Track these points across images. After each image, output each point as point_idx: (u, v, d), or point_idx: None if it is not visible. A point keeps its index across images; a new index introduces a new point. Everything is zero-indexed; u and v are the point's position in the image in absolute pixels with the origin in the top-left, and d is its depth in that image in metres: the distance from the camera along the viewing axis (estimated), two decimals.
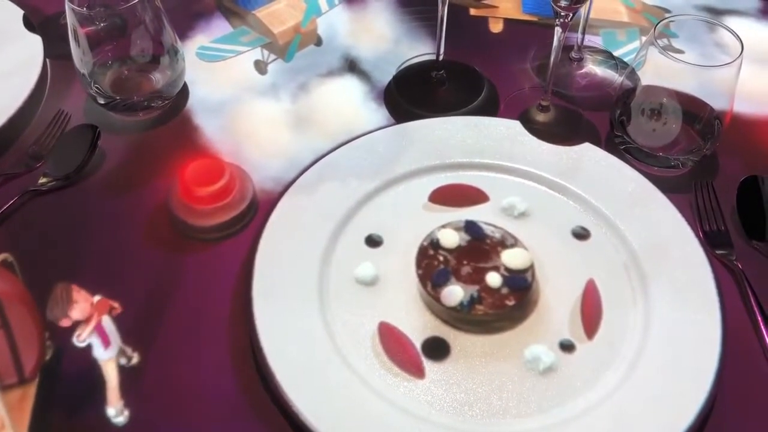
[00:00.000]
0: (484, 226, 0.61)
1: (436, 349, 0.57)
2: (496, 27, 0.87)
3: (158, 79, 0.74)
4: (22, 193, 0.67)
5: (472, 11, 0.89)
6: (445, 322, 0.58)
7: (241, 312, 0.59)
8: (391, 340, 0.57)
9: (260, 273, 0.59)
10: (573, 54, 0.82)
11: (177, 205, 0.65)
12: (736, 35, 0.64)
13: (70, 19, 0.68)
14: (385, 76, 0.80)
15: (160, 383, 0.56)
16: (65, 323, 0.57)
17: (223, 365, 0.57)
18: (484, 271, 0.58)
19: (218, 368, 0.57)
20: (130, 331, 0.58)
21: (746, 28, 0.85)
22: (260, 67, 0.82)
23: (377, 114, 0.76)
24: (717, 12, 0.87)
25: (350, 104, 0.77)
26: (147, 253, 0.64)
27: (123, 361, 0.56)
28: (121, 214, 0.67)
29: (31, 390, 0.53)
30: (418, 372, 0.55)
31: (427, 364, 0.56)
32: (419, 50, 0.83)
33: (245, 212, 0.65)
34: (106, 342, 0.57)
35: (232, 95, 0.78)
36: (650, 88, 0.67)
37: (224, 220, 0.64)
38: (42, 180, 0.68)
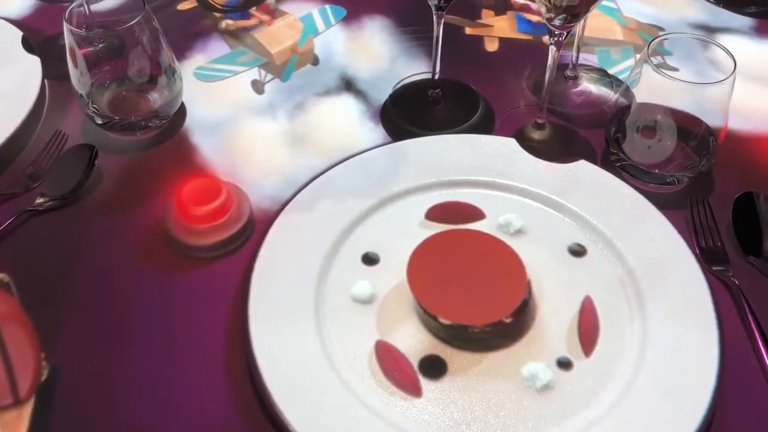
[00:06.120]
0: None
1: (433, 367, 0.56)
2: (492, 46, 0.88)
3: (156, 99, 0.74)
4: (19, 213, 0.67)
5: (468, 30, 0.89)
6: (442, 340, 0.58)
7: (237, 331, 0.59)
8: (387, 358, 0.57)
9: (256, 292, 0.59)
10: (568, 72, 0.82)
11: (174, 224, 0.65)
12: (729, 53, 0.64)
13: (68, 40, 0.69)
14: (382, 94, 0.80)
15: (155, 404, 0.56)
16: None
17: (219, 385, 0.56)
18: None
19: (214, 388, 0.56)
20: (126, 350, 0.58)
21: (739, 45, 0.85)
22: (257, 86, 0.82)
23: (374, 132, 0.76)
24: (710, 30, 0.88)
25: (347, 123, 0.77)
26: (143, 273, 0.64)
27: None
28: (118, 233, 0.67)
29: (27, 411, 0.53)
30: (415, 391, 0.55)
31: (424, 383, 0.56)
32: (415, 69, 0.83)
33: (242, 231, 0.65)
34: None
35: (230, 115, 0.79)
36: (645, 106, 0.67)
37: (221, 239, 0.64)
38: (39, 200, 0.68)
